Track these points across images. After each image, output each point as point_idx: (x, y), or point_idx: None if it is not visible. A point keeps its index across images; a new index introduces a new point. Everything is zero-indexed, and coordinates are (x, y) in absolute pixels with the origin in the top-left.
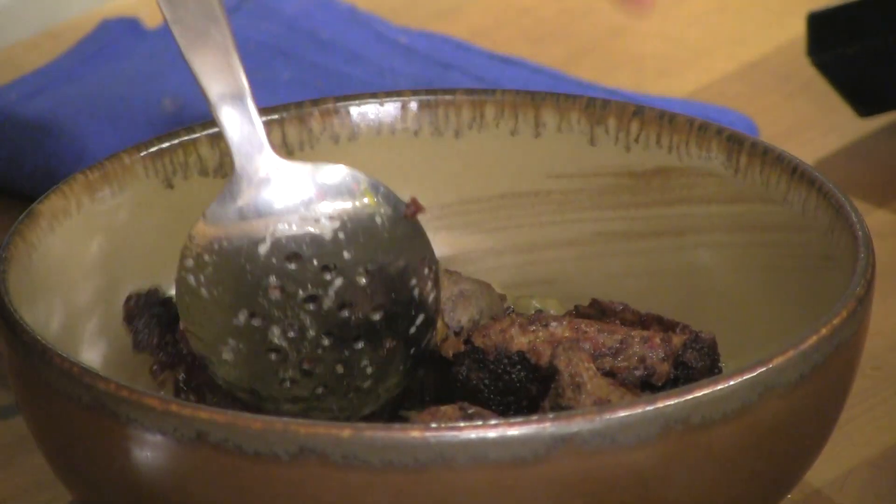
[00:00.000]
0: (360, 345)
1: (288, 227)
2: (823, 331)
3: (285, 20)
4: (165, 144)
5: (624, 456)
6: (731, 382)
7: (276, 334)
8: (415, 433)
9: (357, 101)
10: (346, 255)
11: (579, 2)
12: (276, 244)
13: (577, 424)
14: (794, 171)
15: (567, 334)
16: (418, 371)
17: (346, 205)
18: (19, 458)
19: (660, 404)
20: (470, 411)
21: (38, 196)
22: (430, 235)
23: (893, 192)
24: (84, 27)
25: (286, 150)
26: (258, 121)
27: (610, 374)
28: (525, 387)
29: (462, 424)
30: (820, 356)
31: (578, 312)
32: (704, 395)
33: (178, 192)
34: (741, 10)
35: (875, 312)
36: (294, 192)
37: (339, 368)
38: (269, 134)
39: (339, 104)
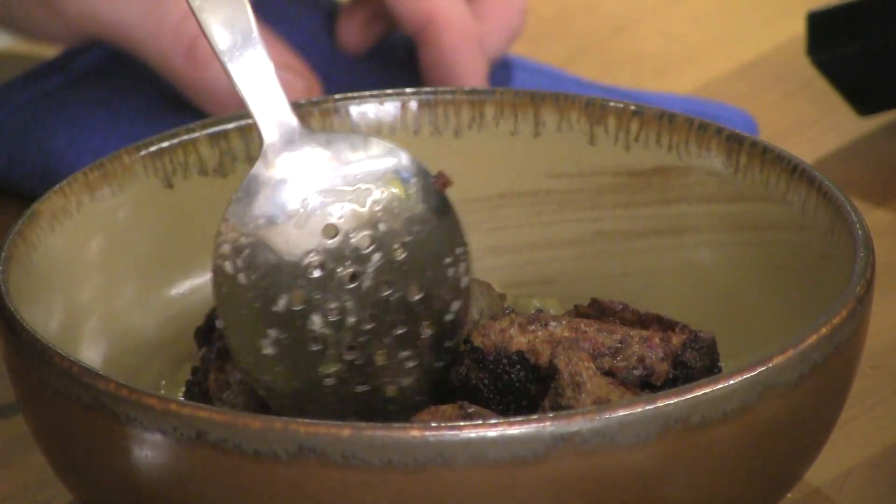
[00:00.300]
0: (399, 331)
1: (324, 200)
2: (823, 330)
3: (289, 20)
4: (165, 144)
5: (623, 455)
6: (731, 382)
7: (317, 322)
8: (414, 432)
9: (357, 100)
10: (382, 227)
11: (579, 0)
12: (314, 219)
13: (576, 424)
14: (794, 170)
15: (566, 334)
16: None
17: (378, 175)
18: (19, 457)
19: (659, 403)
20: (470, 410)
21: (37, 195)
22: None
23: (893, 192)
24: None
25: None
26: (277, 85)
27: (609, 373)
28: (524, 387)
29: (462, 424)
30: (820, 356)
31: (578, 312)
32: (704, 394)
33: (177, 192)
34: (741, 9)
35: (875, 312)
36: (326, 164)
37: (381, 359)
38: None
39: (339, 103)
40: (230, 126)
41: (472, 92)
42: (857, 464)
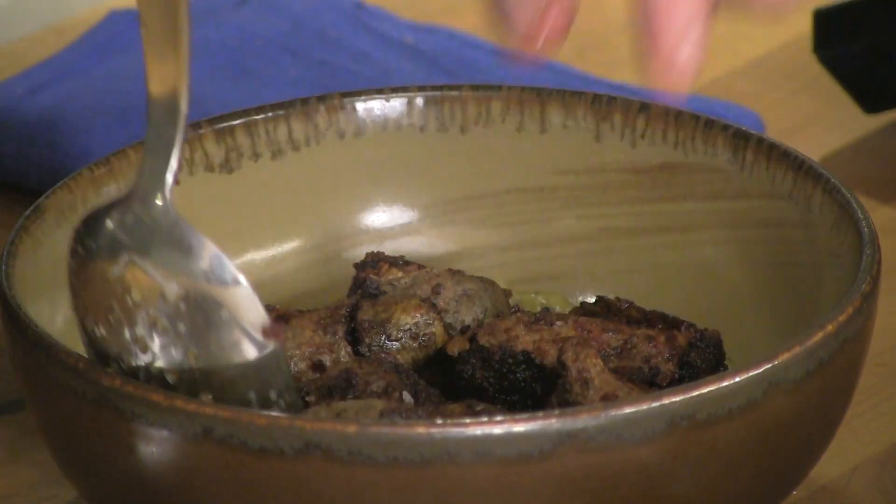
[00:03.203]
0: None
1: (143, 268)
2: (829, 327)
3: (293, 17)
4: None
5: (629, 452)
6: (737, 379)
7: (110, 354)
8: (420, 429)
9: (363, 97)
10: (180, 327)
11: None
12: (125, 273)
13: (582, 421)
14: (800, 167)
15: (572, 334)
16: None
17: (202, 286)
18: (24, 453)
19: (665, 401)
20: (478, 409)
21: (43, 190)
22: (437, 231)
23: None
24: (90, 22)
25: (292, 145)
26: (174, 160)
27: (614, 373)
28: (530, 386)
29: (467, 420)
30: (825, 353)
31: (584, 310)
32: (710, 391)
33: (183, 188)
34: None
35: (880, 309)
36: (166, 243)
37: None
38: (275, 129)
39: (345, 100)
40: (236, 122)
41: (478, 88)
42: (863, 461)
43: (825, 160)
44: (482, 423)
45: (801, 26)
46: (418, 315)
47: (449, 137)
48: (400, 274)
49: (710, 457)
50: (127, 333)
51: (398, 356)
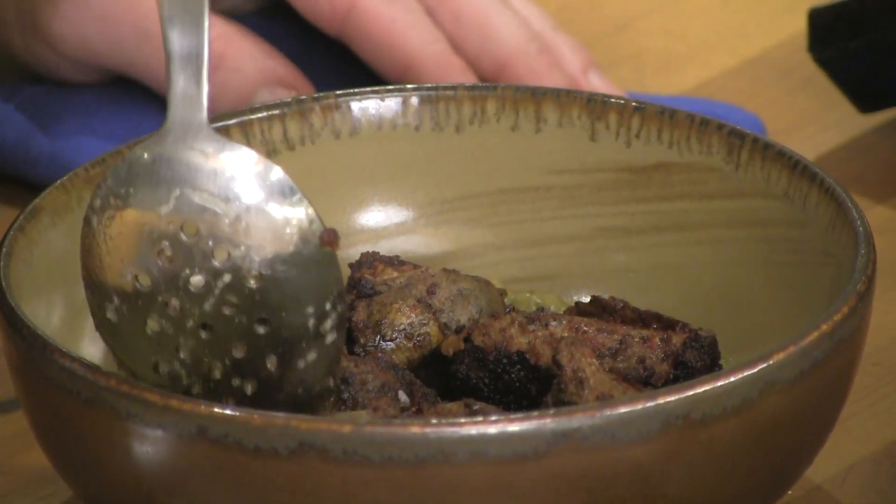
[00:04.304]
0: (239, 353)
1: (195, 198)
2: (824, 327)
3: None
4: None
5: (624, 451)
6: (732, 378)
7: (156, 309)
8: (415, 429)
9: (358, 96)
10: (241, 249)
11: None
12: (178, 208)
13: (577, 420)
14: (795, 166)
15: (566, 334)
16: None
17: (259, 201)
18: (20, 453)
19: (660, 400)
20: (475, 408)
21: (43, 180)
22: (432, 230)
23: (894, 188)
24: None
25: (287, 144)
26: (205, 85)
27: (609, 373)
28: (525, 386)
29: (462, 420)
30: (820, 352)
31: (579, 310)
32: (705, 391)
33: None
34: (743, 5)
35: (875, 308)
36: (214, 166)
37: (216, 372)
38: (270, 129)
39: (341, 99)
40: (231, 122)
41: (474, 88)
42: (859, 460)
43: (820, 159)
44: (477, 423)
45: (797, 26)
46: (413, 315)
47: (444, 137)
48: (395, 274)
49: (705, 456)
50: (182, 277)
51: (393, 356)
